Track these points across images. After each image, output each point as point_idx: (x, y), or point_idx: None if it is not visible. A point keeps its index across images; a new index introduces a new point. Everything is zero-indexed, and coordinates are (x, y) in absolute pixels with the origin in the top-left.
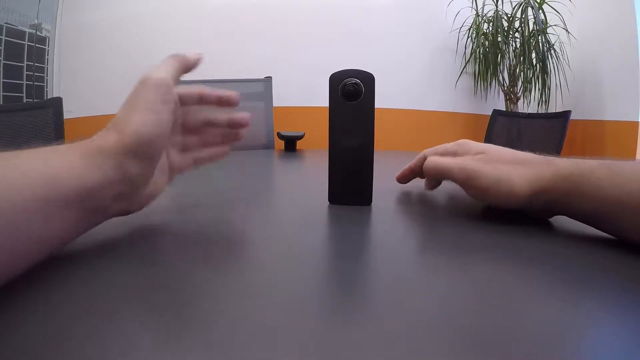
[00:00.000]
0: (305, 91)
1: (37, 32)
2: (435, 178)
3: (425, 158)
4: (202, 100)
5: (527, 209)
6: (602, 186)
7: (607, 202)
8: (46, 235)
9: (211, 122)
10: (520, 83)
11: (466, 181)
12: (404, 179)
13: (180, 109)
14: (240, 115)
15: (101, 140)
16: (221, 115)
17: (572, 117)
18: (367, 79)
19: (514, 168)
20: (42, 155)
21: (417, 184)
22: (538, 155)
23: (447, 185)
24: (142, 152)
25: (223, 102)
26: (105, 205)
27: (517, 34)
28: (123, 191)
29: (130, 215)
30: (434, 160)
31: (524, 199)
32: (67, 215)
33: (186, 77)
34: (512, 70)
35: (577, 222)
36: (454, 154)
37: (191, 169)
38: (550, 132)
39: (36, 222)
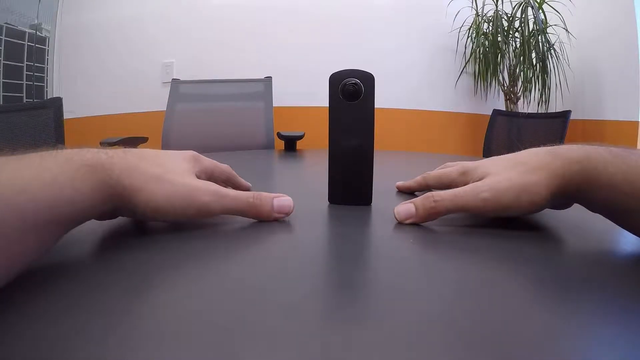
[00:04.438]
0: (305, 91)
1: (37, 32)
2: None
3: (425, 183)
4: (229, 182)
5: (548, 207)
6: (615, 182)
7: (620, 198)
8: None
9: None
10: (520, 83)
11: (487, 209)
12: (401, 189)
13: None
14: None
15: (125, 187)
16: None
17: (572, 117)
18: (367, 79)
19: (527, 177)
20: (55, 180)
21: None
22: (542, 150)
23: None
24: (146, 217)
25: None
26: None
27: (517, 34)
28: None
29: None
30: (445, 200)
31: (545, 204)
32: (59, 233)
33: (186, 76)
34: (512, 70)
35: (578, 222)
36: (464, 183)
37: None
38: (550, 132)
39: (26, 242)
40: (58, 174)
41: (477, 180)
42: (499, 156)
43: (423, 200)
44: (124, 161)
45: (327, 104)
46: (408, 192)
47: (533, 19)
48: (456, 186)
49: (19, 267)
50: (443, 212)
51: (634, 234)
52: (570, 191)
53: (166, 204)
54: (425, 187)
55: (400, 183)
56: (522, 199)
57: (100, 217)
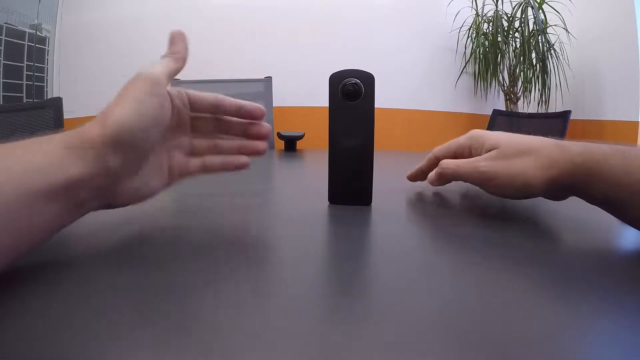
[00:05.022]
0: (305, 91)
1: (37, 32)
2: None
3: (435, 158)
4: (218, 109)
5: (543, 196)
6: (615, 173)
7: (620, 190)
8: (28, 229)
9: (225, 129)
10: (520, 83)
11: (483, 183)
12: (414, 179)
13: (186, 110)
14: (258, 112)
15: (84, 132)
16: (235, 120)
17: (572, 117)
18: (367, 79)
19: (528, 160)
20: (25, 147)
21: (420, 184)
22: (550, 140)
23: (448, 184)
24: (123, 143)
25: (243, 114)
26: (86, 197)
27: (517, 34)
28: (103, 184)
29: (126, 216)
30: (449, 168)
31: (539, 189)
32: (49, 208)
33: (186, 77)
34: (512, 70)
35: (579, 220)
36: (469, 148)
37: (202, 174)
38: (550, 132)
39: (19, 215)
40: (32, 145)
41: (485, 150)
42: (510, 133)
43: (436, 168)
44: (87, 123)
45: (327, 104)
46: (422, 179)
47: (533, 19)
48: (462, 149)
49: (26, 246)
50: (449, 178)
51: (632, 226)
52: (570, 182)
53: (119, 108)
54: (436, 162)
55: (409, 173)
56: (517, 181)
57: (94, 188)
